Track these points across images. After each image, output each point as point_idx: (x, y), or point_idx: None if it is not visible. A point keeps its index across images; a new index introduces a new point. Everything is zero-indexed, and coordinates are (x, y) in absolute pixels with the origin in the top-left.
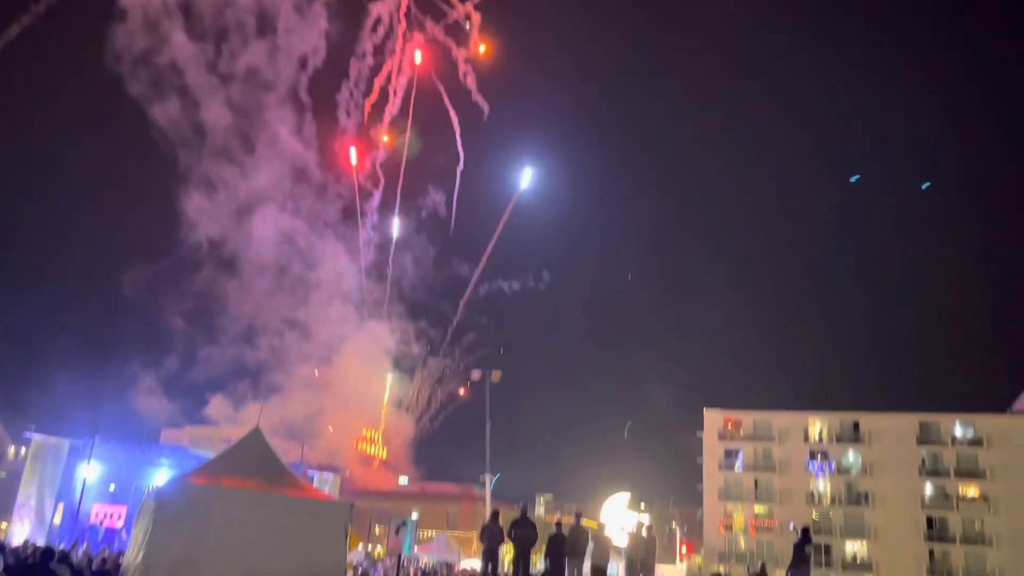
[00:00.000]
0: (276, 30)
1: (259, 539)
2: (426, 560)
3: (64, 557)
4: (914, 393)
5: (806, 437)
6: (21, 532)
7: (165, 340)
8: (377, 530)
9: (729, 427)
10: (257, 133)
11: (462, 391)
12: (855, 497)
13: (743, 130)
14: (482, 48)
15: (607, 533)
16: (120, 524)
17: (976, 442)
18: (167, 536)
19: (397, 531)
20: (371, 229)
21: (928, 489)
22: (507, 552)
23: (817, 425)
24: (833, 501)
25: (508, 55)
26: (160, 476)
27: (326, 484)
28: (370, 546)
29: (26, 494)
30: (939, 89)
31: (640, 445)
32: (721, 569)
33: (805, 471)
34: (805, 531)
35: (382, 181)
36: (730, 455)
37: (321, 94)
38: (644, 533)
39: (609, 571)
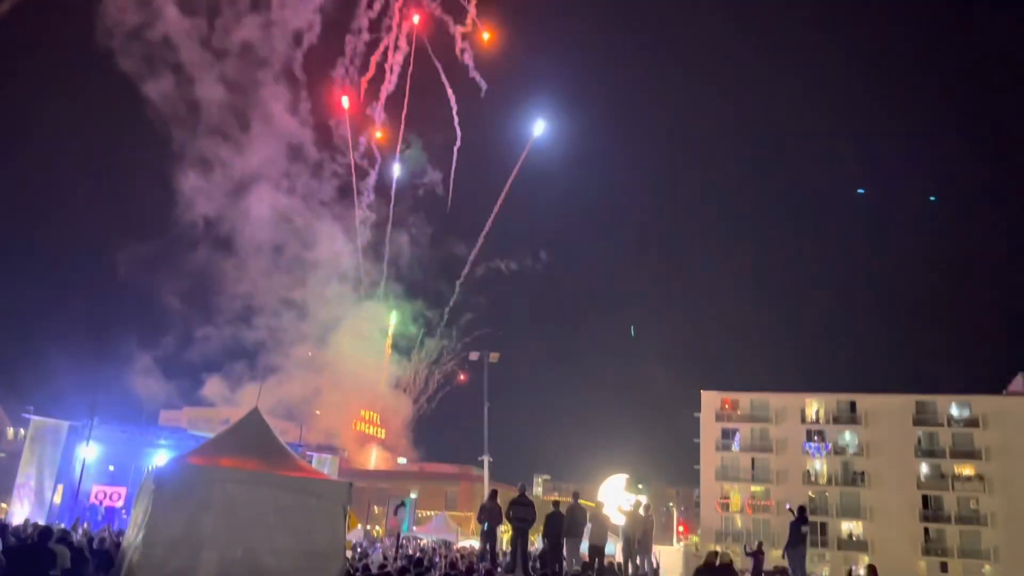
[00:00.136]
0: (270, 4)
1: (259, 519)
2: (425, 540)
3: (64, 537)
4: (910, 374)
5: (803, 417)
6: (21, 512)
7: (161, 321)
8: (376, 510)
9: (726, 407)
10: (252, 110)
11: (462, 377)
12: (851, 477)
13: (745, 110)
14: (486, 36)
15: (604, 512)
16: (120, 504)
17: (972, 422)
18: (167, 516)
19: (396, 511)
20: (367, 208)
21: (924, 469)
22: (505, 532)
23: (814, 405)
24: (829, 481)
25: (506, 32)
26: (159, 457)
27: (325, 464)
28: (369, 526)
29: (25, 474)
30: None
31: (638, 426)
32: (718, 548)
33: (802, 451)
34: (801, 510)
35: (379, 160)
36: (727, 435)
37: (316, 71)
38: (642, 512)
39: (607, 550)
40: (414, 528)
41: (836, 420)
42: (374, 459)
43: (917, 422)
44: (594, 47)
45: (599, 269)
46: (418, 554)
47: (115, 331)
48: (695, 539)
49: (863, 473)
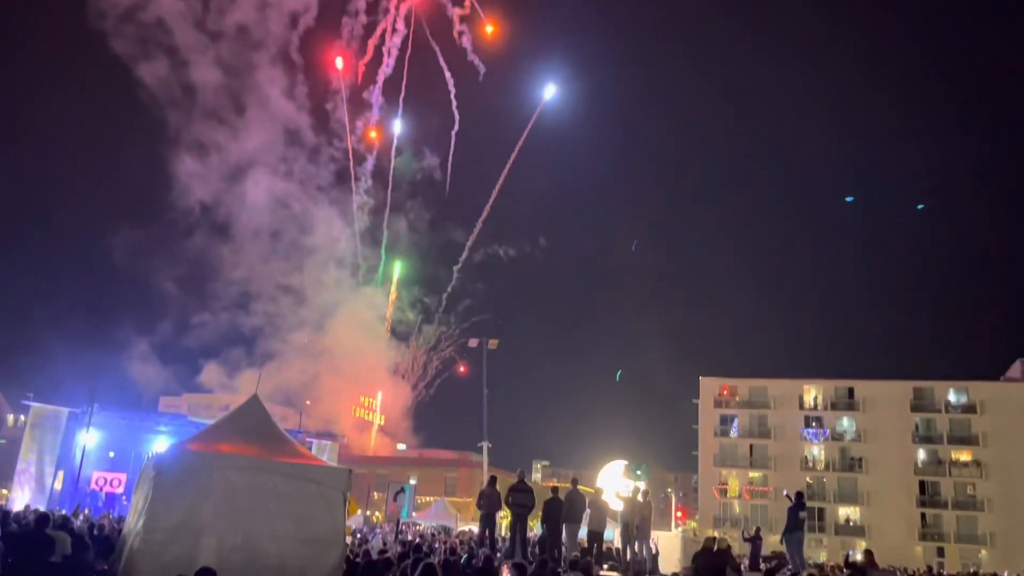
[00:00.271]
0: None
1: (258, 505)
2: (424, 525)
3: (65, 523)
4: (908, 361)
5: (801, 404)
6: (22, 499)
7: (159, 307)
8: (375, 496)
9: (725, 394)
10: (248, 94)
11: (462, 369)
12: (849, 463)
13: (746, 100)
14: (489, 28)
15: (603, 498)
16: (120, 490)
17: (969, 409)
18: (167, 502)
19: (395, 497)
20: (365, 194)
21: (921, 455)
22: (504, 517)
23: (812, 392)
24: (827, 467)
25: (505, 15)
26: (159, 443)
27: (324, 451)
28: (369, 512)
29: (26, 461)
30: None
31: (637, 412)
32: (716, 534)
33: (800, 437)
34: (799, 496)
35: (376, 144)
36: (725, 421)
37: (313, 54)
38: (640, 498)
39: (606, 536)
40: (413, 514)
41: (834, 406)
42: (373, 445)
43: (915, 408)
44: (593, 32)
45: (598, 256)
46: (417, 540)
47: (114, 317)
48: (693, 525)
49: (861, 459)
